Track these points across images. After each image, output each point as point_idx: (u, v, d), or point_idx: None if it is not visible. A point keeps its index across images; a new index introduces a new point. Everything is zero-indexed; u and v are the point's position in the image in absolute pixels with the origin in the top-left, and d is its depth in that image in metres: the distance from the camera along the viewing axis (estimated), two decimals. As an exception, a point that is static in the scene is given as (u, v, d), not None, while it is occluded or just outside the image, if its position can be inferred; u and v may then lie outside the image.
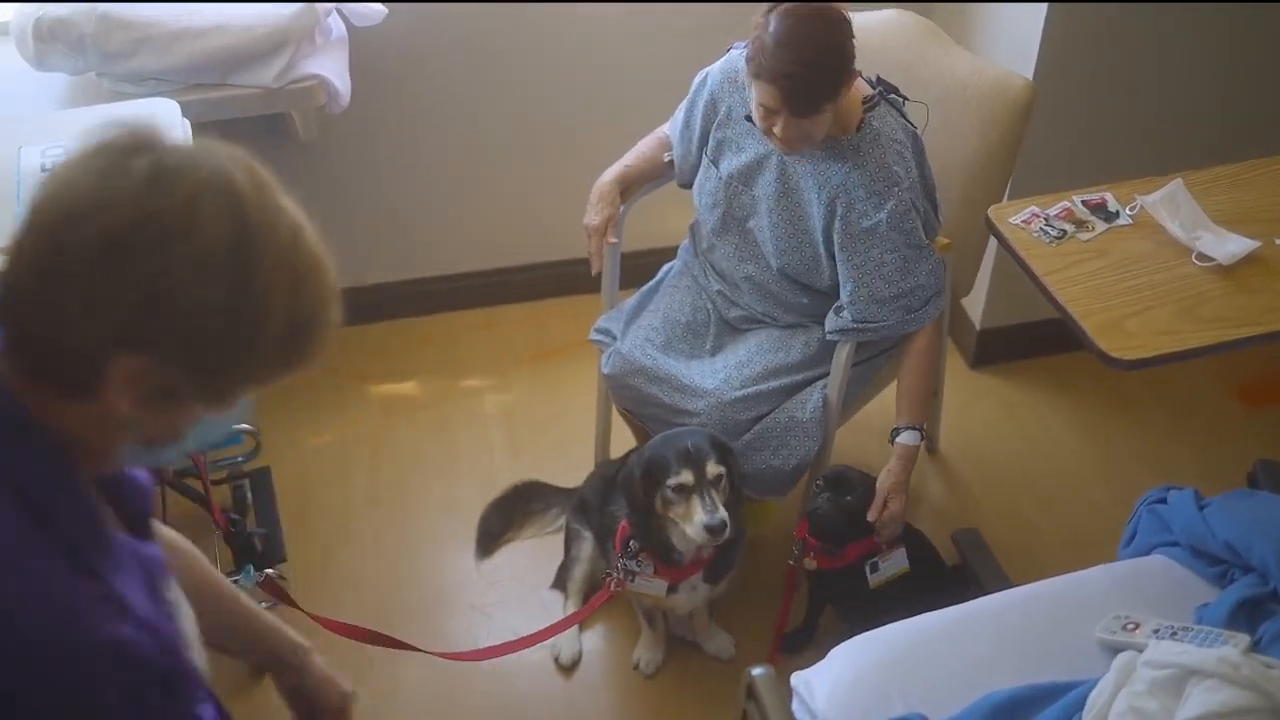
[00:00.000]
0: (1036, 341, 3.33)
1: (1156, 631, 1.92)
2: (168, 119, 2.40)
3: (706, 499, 2.26)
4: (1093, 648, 1.96)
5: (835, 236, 2.37)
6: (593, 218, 2.58)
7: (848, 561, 2.47)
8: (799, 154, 2.36)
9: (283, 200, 1.10)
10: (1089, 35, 2.82)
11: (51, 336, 1.04)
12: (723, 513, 2.25)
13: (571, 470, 2.94)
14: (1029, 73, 2.81)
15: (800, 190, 2.41)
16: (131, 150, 1.05)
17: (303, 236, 1.10)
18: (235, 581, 2.14)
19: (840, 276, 2.42)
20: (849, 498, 2.42)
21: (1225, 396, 3.30)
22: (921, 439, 2.47)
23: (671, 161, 2.65)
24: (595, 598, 2.49)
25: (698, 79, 2.55)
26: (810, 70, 2.15)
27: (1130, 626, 1.95)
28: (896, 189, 2.31)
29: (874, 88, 2.38)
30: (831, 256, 2.42)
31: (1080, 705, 1.84)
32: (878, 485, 2.44)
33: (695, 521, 2.26)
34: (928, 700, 1.88)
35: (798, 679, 1.95)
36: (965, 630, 2.02)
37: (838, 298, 2.45)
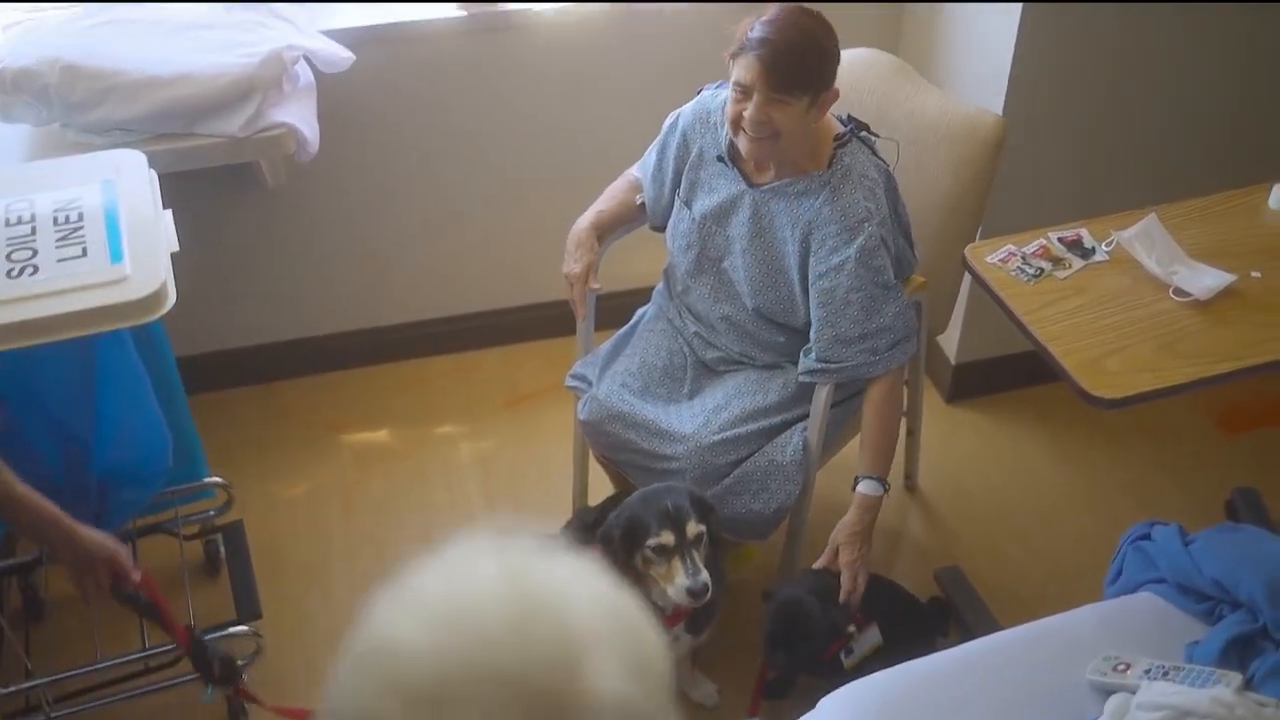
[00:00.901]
0: (1012, 374, 3.33)
1: (1148, 672, 1.90)
2: (134, 170, 2.37)
3: (688, 561, 2.23)
4: (1084, 689, 1.94)
5: (809, 273, 2.36)
6: (573, 265, 2.56)
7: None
8: (764, 157, 2.34)
9: None
10: (1057, 70, 2.84)
11: None
12: (705, 575, 2.22)
13: (549, 518, 2.89)
14: (998, 109, 2.82)
15: (774, 229, 2.40)
16: None
17: None
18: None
19: (811, 315, 2.41)
20: (806, 639, 2.36)
21: (1204, 423, 3.31)
22: (883, 489, 2.42)
23: (644, 204, 2.63)
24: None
25: (669, 120, 2.55)
26: (792, 44, 2.19)
27: (1121, 667, 1.94)
28: (867, 224, 2.31)
29: (845, 125, 2.38)
30: (806, 296, 2.41)
31: (1074, 749, 1.82)
32: (831, 535, 2.41)
33: (676, 584, 2.23)
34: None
35: (788, 730, 1.92)
36: (955, 675, 2.00)
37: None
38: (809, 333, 2.44)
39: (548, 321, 3.28)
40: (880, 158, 2.40)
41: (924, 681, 1.99)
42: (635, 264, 2.95)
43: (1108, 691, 1.90)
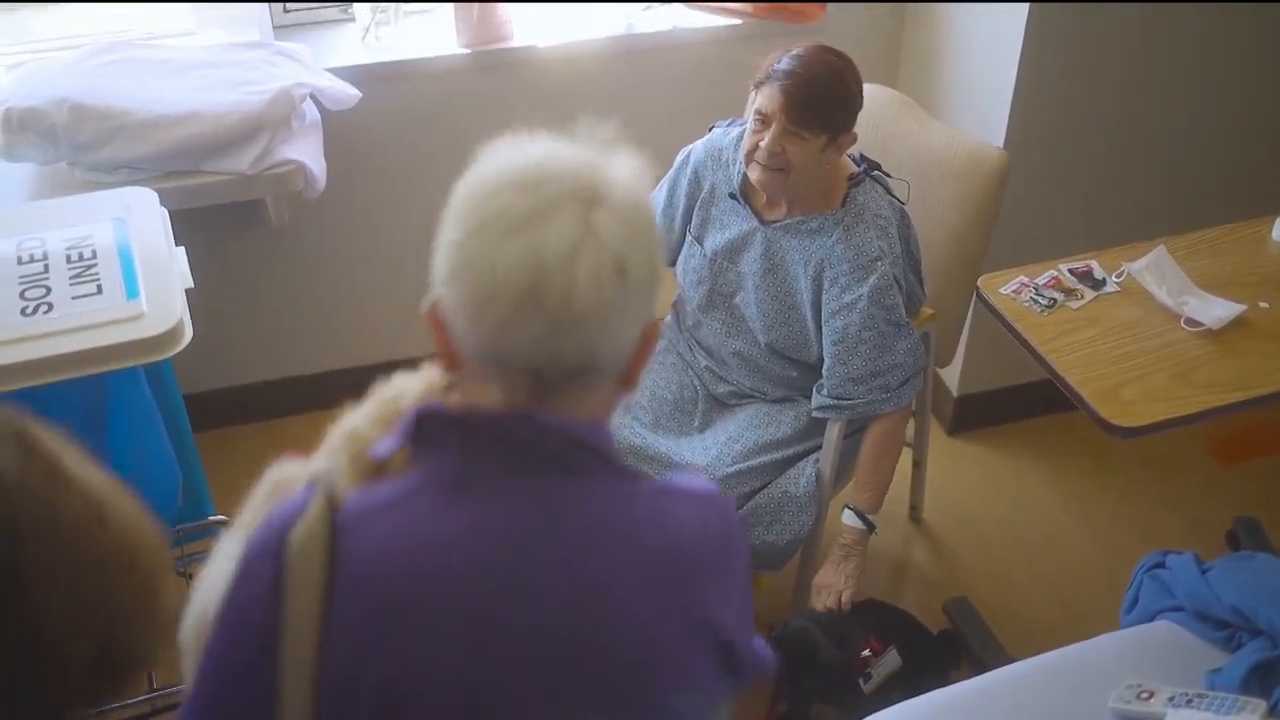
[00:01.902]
0: (1012, 406, 3.36)
1: (1172, 699, 1.91)
2: (145, 208, 2.37)
3: None
4: (1107, 718, 1.95)
5: (822, 310, 2.38)
6: None
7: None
8: (774, 190, 2.36)
9: (76, 474, 0.91)
10: (1057, 104, 2.87)
11: None
12: None
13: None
14: (999, 142, 2.85)
15: (786, 265, 2.41)
16: None
17: (106, 516, 0.91)
18: None
19: (824, 351, 2.42)
20: (813, 670, 2.37)
21: (1202, 454, 3.33)
22: (864, 525, 2.46)
23: None
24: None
25: (680, 156, 2.56)
26: (817, 80, 2.23)
27: (1144, 695, 1.94)
28: (879, 264, 2.33)
29: (858, 165, 2.40)
30: (819, 332, 2.42)
31: (1102, 778, 1.82)
32: (813, 581, 2.46)
33: None
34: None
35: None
36: (979, 704, 2.00)
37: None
38: (821, 368, 2.46)
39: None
40: (894, 195, 2.42)
41: (948, 712, 1.99)
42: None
43: (1132, 719, 1.91)
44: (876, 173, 2.40)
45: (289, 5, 3.03)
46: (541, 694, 1.03)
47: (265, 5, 2.96)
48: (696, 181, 2.51)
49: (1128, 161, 3.05)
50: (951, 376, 3.30)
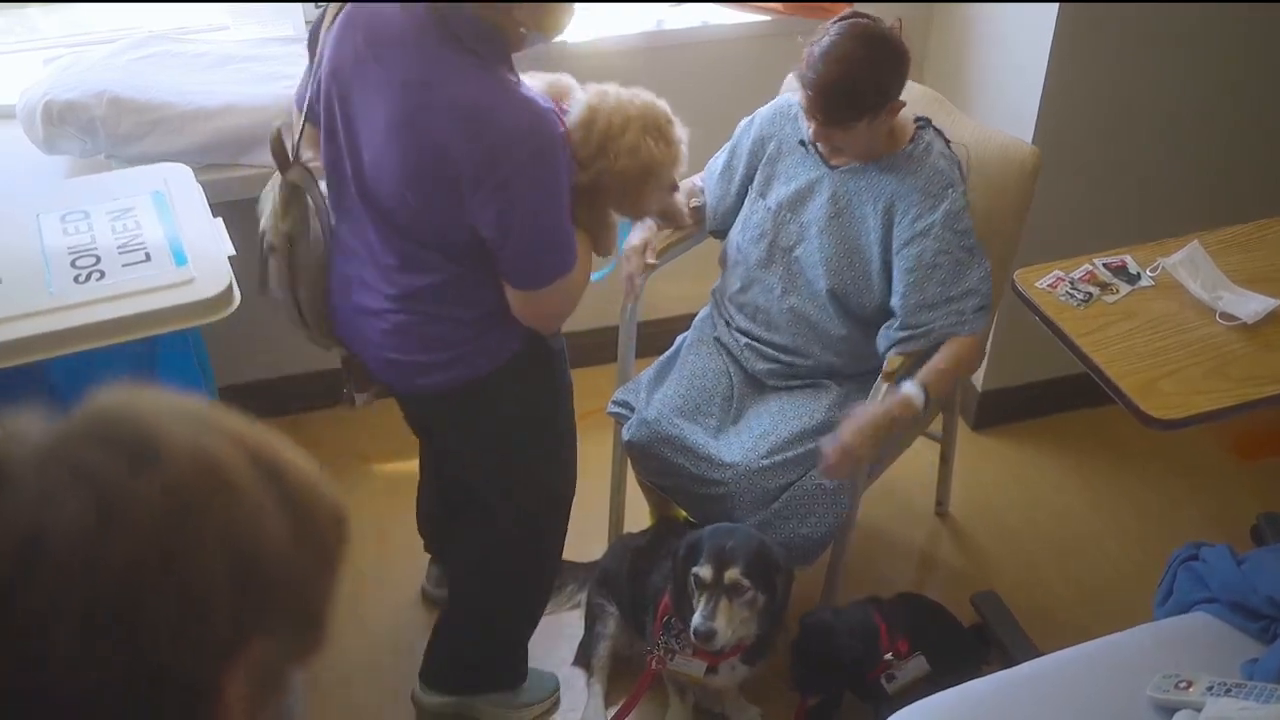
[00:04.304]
0: (1036, 402, 3.38)
1: (1210, 689, 1.92)
2: (182, 182, 2.39)
3: (711, 602, 2.27)
4: (1145, 708, 1.97)
5: (893, 243, 2.41)
6: (631, 238, 2.60)
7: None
8: (843, 164, 2.44)
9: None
10: (1087, 99, 2.89)
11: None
12: (717, 623, 2.26)
13: (583, 545, 2.91)
14: (1028, 138, 2.87)
15: (854, 206, 2.45)
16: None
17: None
18: None
19: (894, 285, 2.42)
20: (832, 661, 2.40)
21: (1224, 449, 3.35)
22: (925, 399, 2.32)
23: (697, 209, 2.67)
24: (640, 681, 2.46)
25: (743, 123, 2.64)
26: (838, 82, 2.27)
27: (1183, 685, 1.96)
28: (951, 190, 2.38)
29: (917, 121, 2.47)
30: (884, 273, 2.44)
31: (1142, 765, 1.84)
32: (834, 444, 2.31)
33: (693, 619, 2.28)
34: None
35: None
36: (1016, 696, 2.02)
37: (879, 326, 2.47)
38: (874, 323, 2.48)
39: (584, 350, 3.28)
40: (954, 153, 2.47)
41: (985, 703, 2.01)
42: (677, 288, 2.98)
43: (1171, 709, 1.93)
44: (937, 128, 2.47)
45: (320, 2, 3.04)
46: None
47: (299, 4, 2.97)
48: (761, 143, 2.58)
49: (1157, 158, 3.06)
50: (977, 372, 3.32)
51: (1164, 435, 3.32)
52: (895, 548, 3.09)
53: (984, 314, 2.41)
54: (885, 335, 2.46)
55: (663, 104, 2.10)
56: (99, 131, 2.58)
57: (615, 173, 2.03)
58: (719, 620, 2.26)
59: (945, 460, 3.04)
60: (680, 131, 2.11)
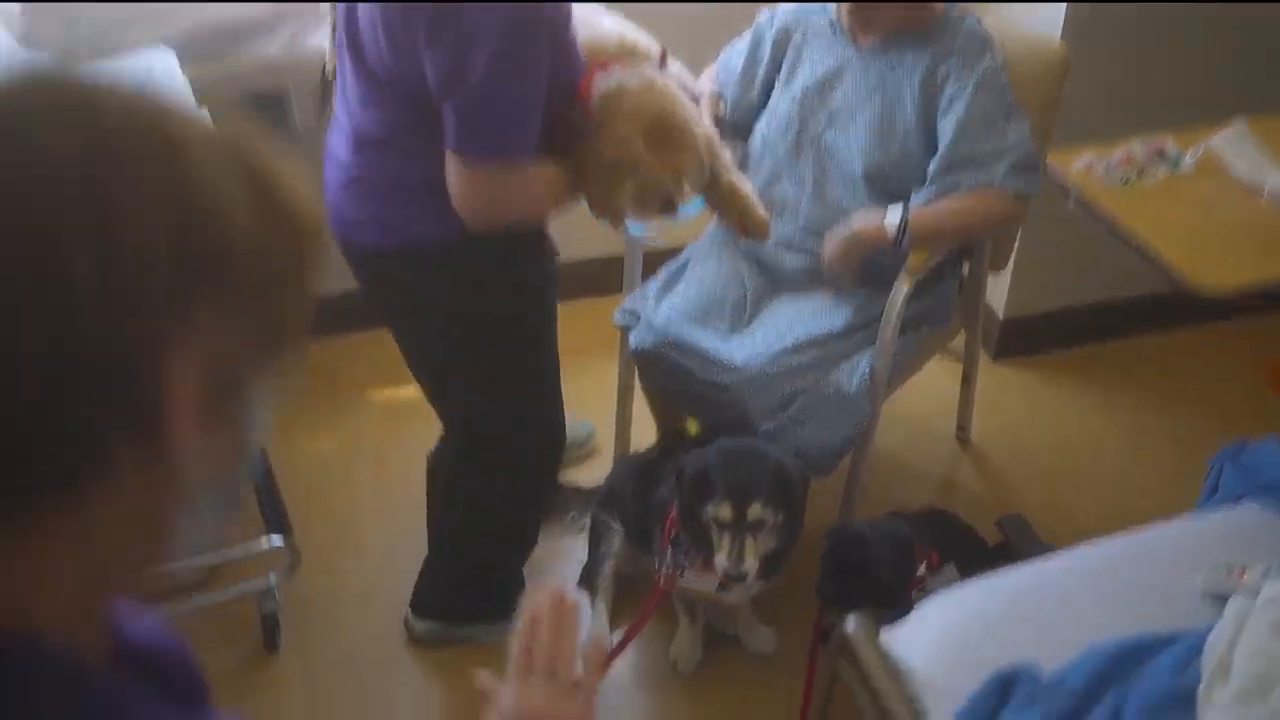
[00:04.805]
0: (1059, 331, 3.25)
1: (1266, 573, 1.80)
2: (166, 72, 2.27)
3: (736, 544, 2.13)
4: (1196, 596, 1.84)
5: (937, 112, 2.33)
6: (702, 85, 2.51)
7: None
8: (872, 43, 2.38)
9: None
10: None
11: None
12: (747, 565, 2.12)
13: (588, 471, 2.80)
14: (1056, 31, 2.75)
15: (887, 84, 2.38)
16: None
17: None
18: None
19: (937, 150, 2.35)
20: (863, 575, 2.23)
21: (1254, 382, 3.22)
22: (901, 230, 2.27)
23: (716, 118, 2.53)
24: (647, 602, 2.31)
25: (764, 15, 2.55)
26: None
27: (1236, 572, 1.83)
28: (988, 53, 2.32)
29: None
30: (925, 145, 2.35)
31: (1196, 652, 1.70)
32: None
33: (718, 560, 2.14)
34: (1030, 652, 1.74)
35: (890, 635, 1.80)
36: (1058, 584, 1.89)
37: None
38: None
39: (586, 279, 3.16)
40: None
41: (1029, 589, 1.88)
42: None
43: (1223, 597, 1.80)
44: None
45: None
46: None
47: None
48: (785, 33, 2.51)
49: (1190, 49, 2.92)
50: (998, 298, 3.19)
51: (1191, 369, 3.23)
52: (914, 471, 2.97)
53: (1021, 174, 2.29)
54: (916, 194, 2.34)
55: (686, 113, 2.01)
56: (81, 19, 2.46)
57: (596, 154, 1.95)
58: (748, 561, 2.13)
59: (968, 381, 2.92)
60: (695, 154, 2.02)
